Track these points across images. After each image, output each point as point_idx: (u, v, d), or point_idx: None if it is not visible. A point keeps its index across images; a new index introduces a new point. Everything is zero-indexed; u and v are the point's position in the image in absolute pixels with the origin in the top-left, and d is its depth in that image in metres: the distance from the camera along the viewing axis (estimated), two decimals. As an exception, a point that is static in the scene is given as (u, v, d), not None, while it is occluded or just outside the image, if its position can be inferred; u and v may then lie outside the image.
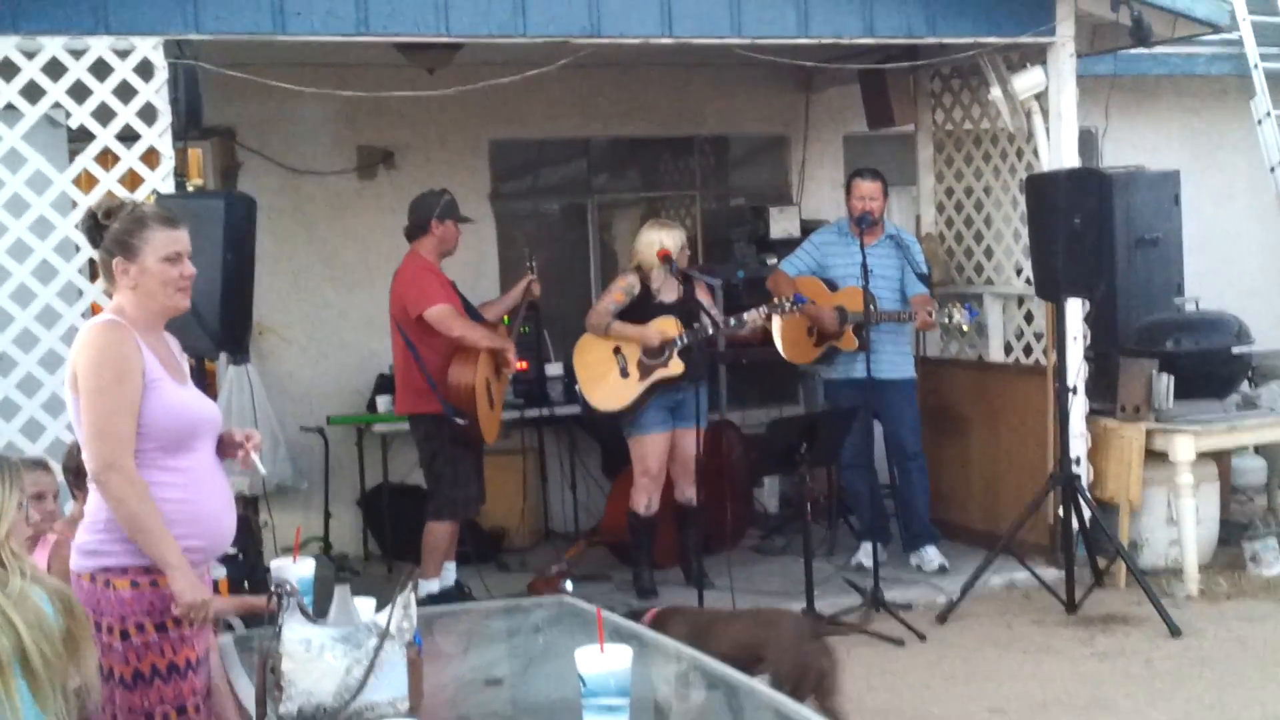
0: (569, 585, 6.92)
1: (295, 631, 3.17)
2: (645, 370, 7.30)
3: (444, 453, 7.13)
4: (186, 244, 3.85)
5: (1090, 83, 8.12)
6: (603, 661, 2.89)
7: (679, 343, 7.25)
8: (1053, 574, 7.41)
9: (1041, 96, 7.75)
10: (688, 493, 7.47)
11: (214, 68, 6.39)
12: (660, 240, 7.30)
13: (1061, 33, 7.60)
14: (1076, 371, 7.46)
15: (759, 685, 3.55)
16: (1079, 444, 7.61)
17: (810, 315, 7.72)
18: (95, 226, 3.84)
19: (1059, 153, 7.70)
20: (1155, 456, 7.58)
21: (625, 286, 7.39)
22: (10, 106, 5.95)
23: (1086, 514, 7.24)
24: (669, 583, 7.58)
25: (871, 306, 7.43)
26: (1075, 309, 7.56)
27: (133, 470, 3.66)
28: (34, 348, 5.97)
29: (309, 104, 7.42)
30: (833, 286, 7.83)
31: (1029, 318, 8.24)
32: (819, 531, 8.05)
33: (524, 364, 7.73)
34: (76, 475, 4.60)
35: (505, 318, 7.51)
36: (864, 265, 7.27)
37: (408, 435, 7.77)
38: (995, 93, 7.93)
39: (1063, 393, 7.26)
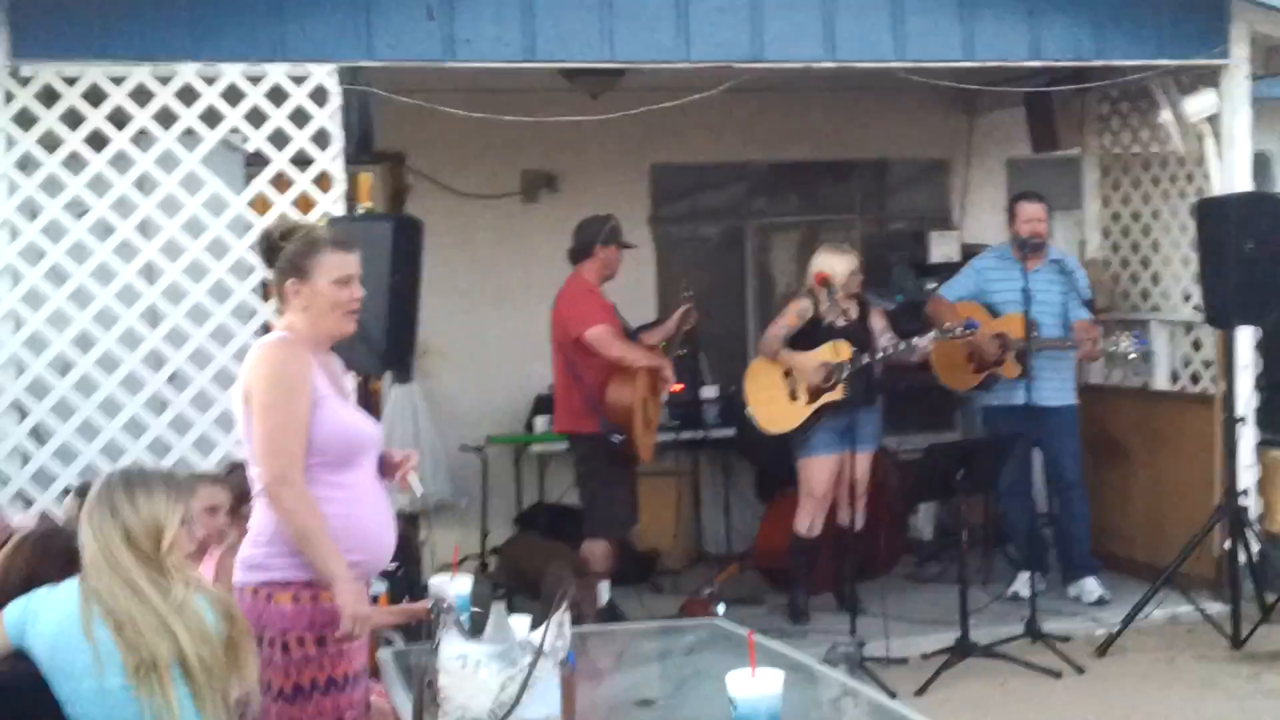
0: (721, 608, 6.92)
1: (452, 647, 3.23)
2: (814, 394, 7.28)
3: (601, 472, 7.21)
4: (357, 268, 3.94)
5: (1265, 106, 7.91)
6: (754, 685, 2.90)
7: (847, 368, 7.20)
8: (1218, 608, 7.20)
9: (1213, 120, 7.56)
10: (850, 516, 7.41)
11: (385, 94, 6.55)
12: (821, 265, 7.26)
13: (1235, 54, 7.41)
14: (1246, 401, 7.26)
15: (915, 715, 3.52)
16: (1247, 475, 7.38)
17: (970, 343, 7.62)
18: (271, 248, 3.95)
19: (1231, 177, 7.50)
20: (1328, 490, 7.36)
21: (799, 310, 7.34)
22: (190, 131, 6.14)
23: (1254, 547, 7.03)
24: (821, 608, 7.53)
25: (1034, 333, 7.32)
26: (1246, 337, 7.36)
27: (303, 484, 3.74)
28: (208, 365, 6.14)
29: (475, 129, 7.55)
30: (994, 312, 7.73)
31: (1197, 345, 8.04)
32: (974, 560, 7.93)
33: (680, 385, 7.77)
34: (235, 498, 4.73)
35: (663, 344, 7.55)
36: (1026, 290, 7.17)
37: (564, 456, 7.85)
38: (1165, 116, 7.77)
39: (1231, 423, 7.06)
